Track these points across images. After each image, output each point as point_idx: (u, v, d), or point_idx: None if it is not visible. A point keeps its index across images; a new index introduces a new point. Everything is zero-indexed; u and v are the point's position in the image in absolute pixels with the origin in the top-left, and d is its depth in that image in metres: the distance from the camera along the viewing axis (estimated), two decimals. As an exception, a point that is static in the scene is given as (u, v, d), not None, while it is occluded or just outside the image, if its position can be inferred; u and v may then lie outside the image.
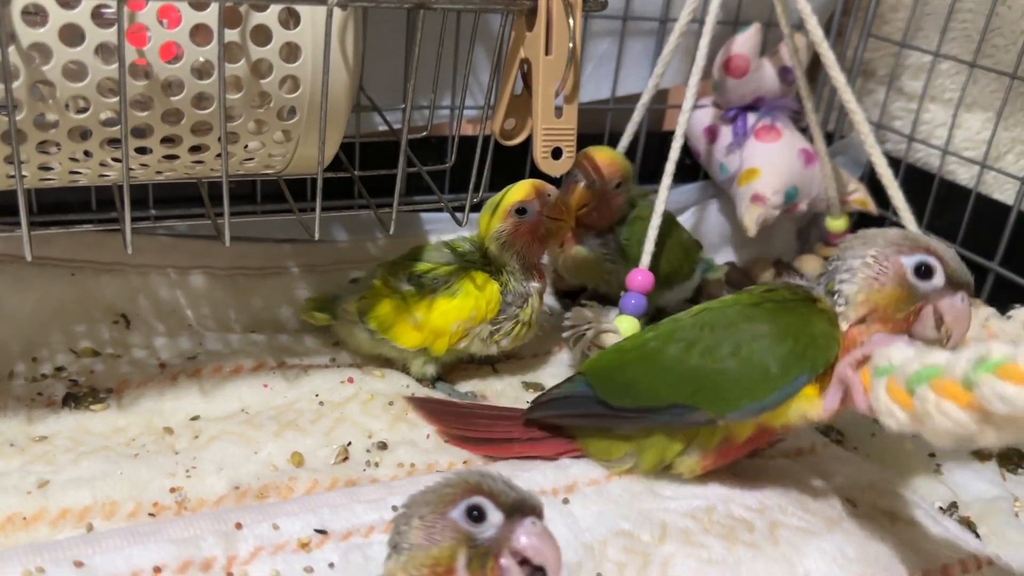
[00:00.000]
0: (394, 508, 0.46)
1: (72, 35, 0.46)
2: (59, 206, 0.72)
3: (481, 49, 0.77)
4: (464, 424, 0.67)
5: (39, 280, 0.70)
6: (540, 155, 0.53)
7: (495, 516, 0.42)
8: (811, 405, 0.56)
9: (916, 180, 0.95)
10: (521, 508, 0.43)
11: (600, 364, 0.65)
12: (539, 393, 0.71)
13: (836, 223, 0.93)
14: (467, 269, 0.70)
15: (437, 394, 0.72)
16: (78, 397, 0.65)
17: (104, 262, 0.73)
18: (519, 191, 0.68)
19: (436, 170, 0.72)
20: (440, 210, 0.71)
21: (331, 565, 0.51)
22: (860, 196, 0.92)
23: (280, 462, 0.61)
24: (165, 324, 0.74)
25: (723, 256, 0.98)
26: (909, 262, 0.56)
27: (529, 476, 0.60)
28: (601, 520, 0.56)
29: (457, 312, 0.69)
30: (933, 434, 0.44)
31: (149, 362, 0.70)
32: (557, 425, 0.65)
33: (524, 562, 0.42)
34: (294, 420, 0.65)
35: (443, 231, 0.83)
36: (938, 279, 0.56)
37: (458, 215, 0.65)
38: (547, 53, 0.51)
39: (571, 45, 0.50)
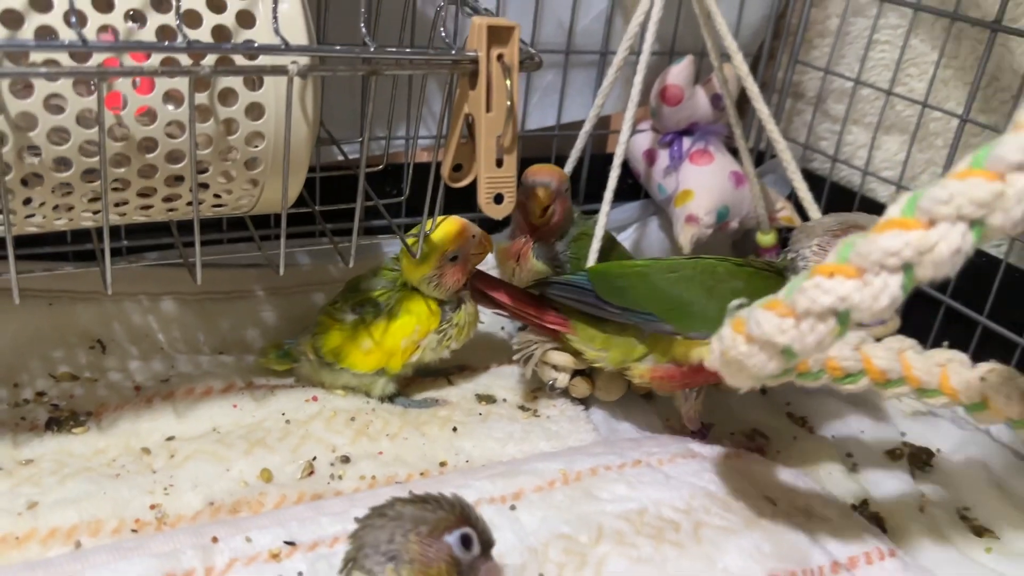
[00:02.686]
0: (356, 519, 0.51)
1: (55, 104, 0.51)
2: (36, 239, 0.77)
3: (434, 85, 0.82)
4: (497, 287, 0.78)
5: (18, 309, 0.74)
6: (483, 201, 0.59)
7: (476, 548, 0.51)
8: None
9: (840, 197, 1.02)
10: (488, 545, 0.52)
11: (602, 270, 0.77)
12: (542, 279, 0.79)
13: (766, 238, 1.00)
14: (403, 290, 0.76)
15: (398, 409, 0.78)
16: (60, 421, 0.69)
17: (80, 291, 0.78)
18: (449, 238, 0.74)
19: (392, 203, 0.78)
20: (390, 234, 0.77)
21: (299, 574, 0.56)
22: (787, 214, 0.99)
23: (251, 478, 0.67)
24: (139, 348, 0.79)
25: (664, 269, 1.04)
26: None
27: (480, 485, 0.66)
28: (544, 524, 0.62)
29: (403, 330, 0.75)
30: (728, 363, 0.54)
31: (125, 384, 0.75)
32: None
33: None
34: (262, 438, 0.71)
35: (396, 249, 0.89)
36: None
37: (413, 248, 0.71)
38: (488, 110, 0.57)
39: (508, 104, 0.56)
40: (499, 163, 0.58)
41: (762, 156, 1.08)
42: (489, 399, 0.82)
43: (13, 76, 0.49)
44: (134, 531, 0.60)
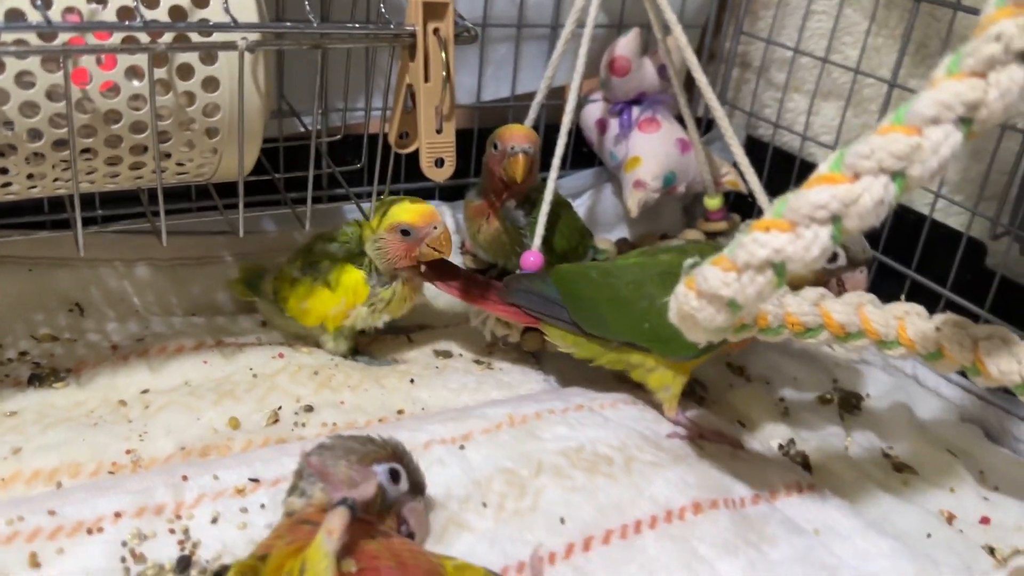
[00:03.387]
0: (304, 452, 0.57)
1: (25, 80, 0.56)
2: (15, 209, 0.81)
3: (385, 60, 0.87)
4: (463, 283, 0.81)
5: (1, 275, 0.80)
6: (425, 165, 0.64)
7: (404, 484, 0.57)
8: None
9: (782, 162, 1.08)
10: (418, 489, 0.59)
11: (569, 289, 0.78)
12: (509, 277, 0.82)
13: (712, 201, 1.05)
14: (340, 261, 0.80)
15: (360, 364, 0.83)
16: (41, 377, 0.75)
17: (58, 257, 0.83)
18: (409, 213, 0.75)
19: (347, 170, 0.82)
20: (347, 200, 0.82)
21: (262, 506, 0.62)
22: (731, 178, 1.05)
23: (220, 426, 0.72)
24: (115, 311, 0.84)
25: (617, 232, 1.10)
26: None
27: (432, 428, 0.71)
28: (489, 461, 0.68)
29: (331, 300, 0.80)
30: (683, 318, 0.58)
31: (102, 344, 0.80)
32: None
33: (403, 523, 0.57)
34: (231, 390, 0.76)
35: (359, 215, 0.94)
36: (841, 260, 0.74)
37: (366, 209, 0.76)
38: (426, 80, 0.62)
39: (444, 74, 0.61)
40: (439, 130, 0.63)
41: (710, 124, 1.14)
42: (446, 354, 0.88)
43: (-16, 54, 0.54)
44: (111, 473, 0.66)
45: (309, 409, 0.76)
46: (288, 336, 0.85)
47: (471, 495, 0.65)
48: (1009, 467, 0.80)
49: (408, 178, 0.98)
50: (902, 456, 0.82)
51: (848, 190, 0.50)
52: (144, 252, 0.87)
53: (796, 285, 0.68)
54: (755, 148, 1.10)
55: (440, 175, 0.65)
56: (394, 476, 0.56)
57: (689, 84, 1.01)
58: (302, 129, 0.88)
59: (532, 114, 0.96)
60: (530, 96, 0.98)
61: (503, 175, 0.82)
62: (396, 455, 0.58)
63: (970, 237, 0.90)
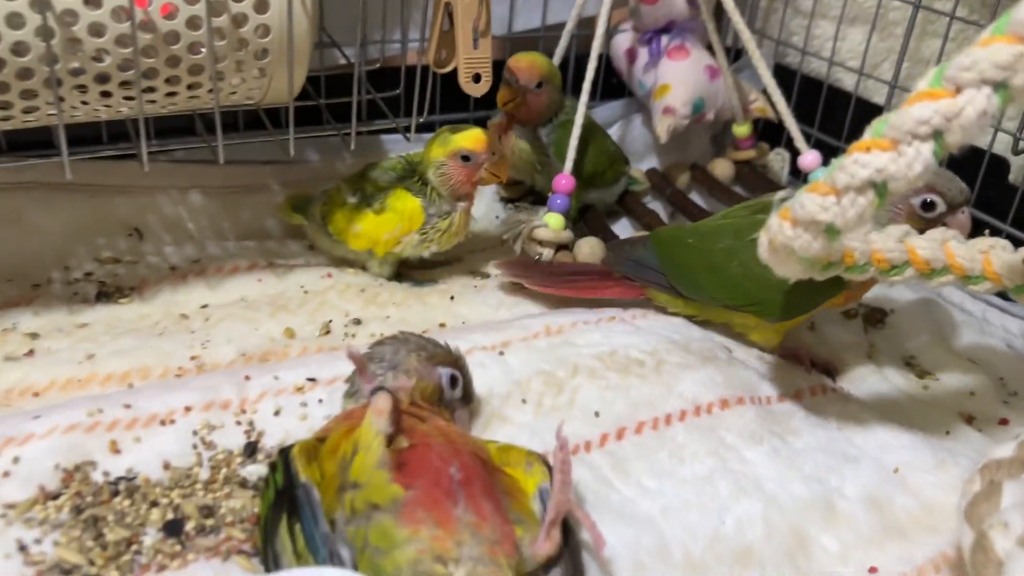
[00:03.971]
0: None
1: (93, 0, 0.60)
2: (77, 140, 0.86)
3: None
4: (547, 276, 0.84)
5: (65, 202, 0.85)
6: (463, 80, 0.68)
7: (459, 391, 0.62)
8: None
9: (810, 88, 1.10)
10: (468, 397, 0.64)
11: (668, 253, 0.81)
12: (611, 244, 0.88)
13: (741, 129, 1.08)
14: (396, 187, 0.83)
15: (405, 287, 0.87)
16: (108, 294, 0.80)
17: (117, 185, 0.87)
18: (470, 139, 0.80)
19: (388, 96, 0.86)
20: (395, 131, 0.85)
21: (320, 401, 0.67)
22: (760, 105, 1.07)
23: (276, 335, 0.77)
24: (171, 235, 0.89)
25: (647, 162, 1.12)
26: (915, 201, 0.72)
27: (473, 337, 0.75)
28: (527, 364, 0.72)
29: (386, 225, 0.83)
30: (775, 251, 0.60)
31: (162, 266, 0.85)
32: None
33: None
34: (285, 305, 0.81)
35: (401, 149, 0.97)
36: (940, 207, 0.72)
37: (408, 133, 0.80)
38: (463, -2, 0.65)
39: (483, -9, 0.64)
40: (475, 45, 0.66)
41: (739, 52, 1.15)
42: (483, 275, 0.92)
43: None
44: (178, 376, 0.71)
45: (357, 322, 0.80)
46: (333, 260, 0.89)
47: (511, 393, 0.69)
48: (1029, 374, 0.83)
49: (443, 110, 1.02)
50: (924, 364, 0.85)
51: (951, 104, 0.50)
52: (197, 180, 0.91)
53: None
54: (783, 75, 1.12)
55: (477, 90, 0.68)
56: (453, 381, 0.61)
57: (718, 12, 1.03)
58: (342, 61, 0.92)
59: (562, 43, 0.99)
60: (561, 26, 1.01)
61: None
62: (458, 363, 0.63)
63: (992, 154, 0.91)
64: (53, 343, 0.73)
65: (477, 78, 0.68)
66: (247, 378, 0.68)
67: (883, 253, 0.65)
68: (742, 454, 0.66)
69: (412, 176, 0.84)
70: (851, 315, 0.91)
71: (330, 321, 0.80)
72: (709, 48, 1.05)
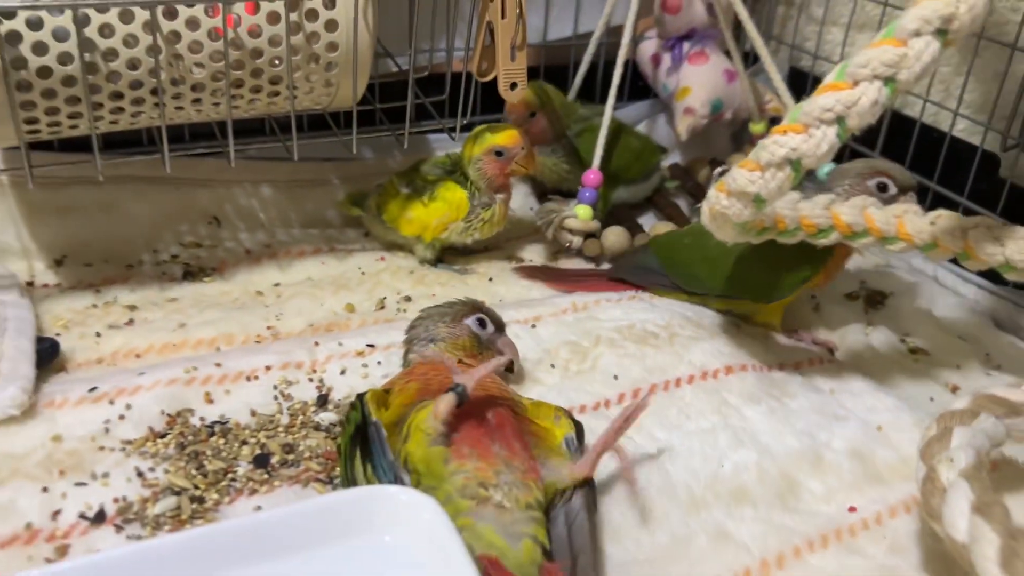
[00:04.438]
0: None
1: (193, 23, 0.72)
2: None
3: (468, 5, 1.01)
4: (561, 279, 0.95)
5: (154, 193, 0.97)
6: (502, 88, 0.78)
7: (490, 327, 0.73)
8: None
9: (821, 90, 1.18)
10: (501, 327, 0.74)
11: (668, 254, 0.91)
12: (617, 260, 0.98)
13: (757, 127, 1.17)
14: (445, 180, 0.95)
15: (441, 271, 0.98)
16: (193, 274, 0.92)
17: (200, 178, 1.00)
18: (502, 137, 0.91)
19: (435, 101, 0.97)
20: (441, 131, 0.97)
21: (379, 363, 0.78)
22: (775, 105, 1.16)
23: (338, 310, 0.88)
24: (245, 223, 1.01)
25: (671, 158, 1.22)
26: (871, 183, 0.82)
27: (509, 313, 0.86)
28: (556, 335, 0.83)
29: (435, 213, 0.94)
30: (714, 217, 0.71)
31: (238, 249, 0.97)
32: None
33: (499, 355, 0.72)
34: (345, 284, 0.93)
35: (445, 147, 1.09)
36: (892, 189, 0.82)
37: (452, 133, 0.91)
38: (503, 17, 0.76)
39: (518, 11, 0.75)
40: (513, 57, 0.77)
41: (757, 58, 1.24)
42: (519, 259, 1.02)
43: (163, 4, 0.70)
44: (257, 342, 0.83)
45: (408, 299, 0.92)
46: (385, 244, 1.01)
47: (542, 359, 0.80)
48: (1012, 350, 0.91)
49: (482, 112, 1.13)
50: (918, 342, 0.93)
51: (849, 95, 0.62)
52: (267, 175, 1.03)
53: None
54: (798, 78, 1.21)
55: (513, 97, 0.79)
56: (481, 323, 0.72)
57: (736, 21, 1.12)
58: (394, 69, 1.03)
59: (590, 50, 1.10)
60: (591, 35, 1.11)
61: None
62: (477, 307, 0.74)
63: (984, 150, 1.00)
64: (149, 315, 0.85)
65: (513, 86, 0.78)
66: (316, 344, 0.80)
67: (811, 219, 0.75)
68: (742, 412, 0.76)
69: (456, 171, 0.95)
70: (853, 297, 1.00)
71: (384, 298, 0.91)
72: (728, 53, 1.15)
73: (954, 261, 0.77)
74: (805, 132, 0.64)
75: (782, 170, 0.65)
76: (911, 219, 0.76)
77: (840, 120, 0.63)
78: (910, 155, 1.07)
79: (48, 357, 0.75)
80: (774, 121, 1.18)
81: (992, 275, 0.75)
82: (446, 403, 0.59)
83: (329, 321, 0.86)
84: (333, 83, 0.81)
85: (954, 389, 0.86)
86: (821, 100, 0.63)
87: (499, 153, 0.92)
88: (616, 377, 0.78)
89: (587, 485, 0.61)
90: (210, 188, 1.00)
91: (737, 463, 0.70)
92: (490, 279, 0.97)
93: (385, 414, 0.64)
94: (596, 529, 0.62)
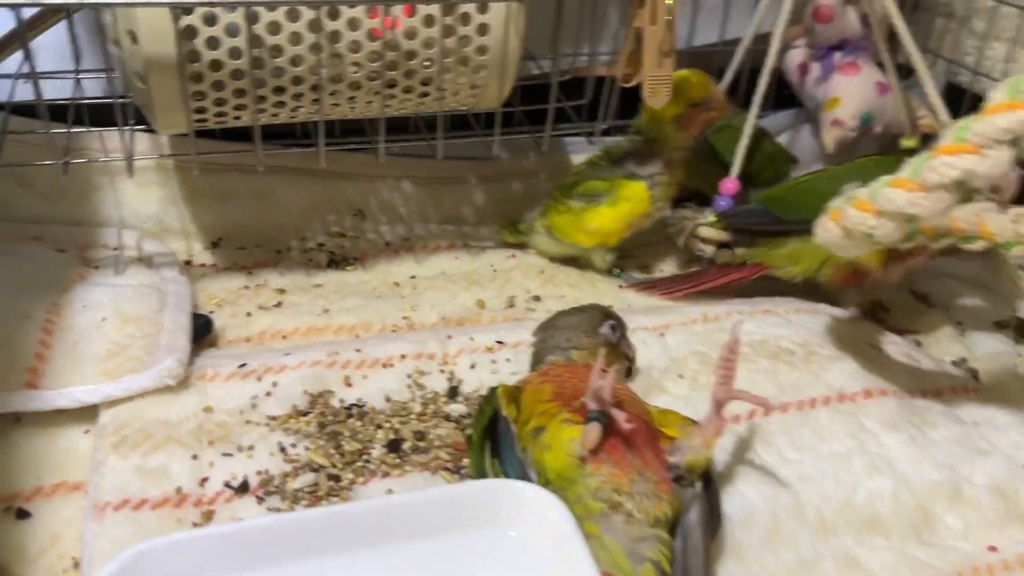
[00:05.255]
0: (538, 327, 0.75)
1: (354, 23, 0.75)
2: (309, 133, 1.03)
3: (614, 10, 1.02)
4: (671, 284, 0.96)
5: (305, 184, 1.02)
6: (647, 94, 0.78)
7: (619, 331, 0.73)
8: None
9: (979, 107, 1.12)
10: (624, 330, 0.74)
11: (773, 193, 0.93)
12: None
13: (909, 143, 1.12)
14: (616, 180, 0.95)
15: (574, 267, 0.99)
16: (336, 262, 0.96)
17: (346, 172, 1.04)
18: (699, 89, 0.92)
19: (575, 104, 0.98)
20: (578, 134, 0.97)
21: (507, 360, 0.80)
22: (928, 121, 1.11)
23: (470, 305, 0.91)
24: (386, 216, 1.04)
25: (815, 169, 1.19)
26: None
27: (637, 319, 0.86)
28: (684, 345, 0.82)
29: (621, 214, 0.95)
30: (851, 236, 0.69)
31: (378, 241, 1.01)
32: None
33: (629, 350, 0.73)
34: (477, 280, 0.95)
35: (579, 148, 1.09)
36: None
37: (591, 137, 0.91)
38: (652, 23, 0.76)
39: (668, 18, 0.75)
40: (660, 64, 0.76)
41: (911, 71, 1.19)
42: (648, 268, 1.02)
43: (328, 4, 0.73)
44: (393, 331, 0.86)
45: (537, 299, 0.93)
46: (553, 258, 1.01)
47: (669, 368, 0.80)
48: None
49: (620, 116, 1.13)
50: (1076, 380, 0.88)
51: None
52: (408, 171, 1.07)
53: None
54: (955, 93, 1.15)
55: (658, 103, 0.79)
56: (614, 328, 0.72)
57: (891, 32, 1.08)
58: (535, 71, 1.05)
59: (737, 58, 1.08)
60: (736, 42, 1.09)
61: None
62: (608, 313, 0.74)
63: None
64: (296, 298, 0.90)
65: (658, 93, 0.78)
66: (449, 337, 0.82)
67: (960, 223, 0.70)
68: (879, 439, 0.73)
69: (612, 163, 0.96)
70: (1003, 325, 0.95)
71: (514, 296, 0.93)
72: (880, 65, 1.10)
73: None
74: (978, 153, 0.62)
75: (950, 191, 0.63)
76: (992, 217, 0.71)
77: (1018, 140, 0.61)
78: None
79: (202, 332, 0.81)
80: (926, 138, 1.13)
81: None
82: (594, 435, 0.58)
83: (461, 315, 0.88)
84: (480, 85, 0.83)
85: (1114, 429, 0.80)
86: (1000, 120, 0.61)
87: (695, 105, 0.93)
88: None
89: (707, 490, 0.61)
90: (356, 181, 1.05)
91: (872, 490, 0.68)
92: (620, 286, 0.97)
93: (516, 408, 0.65)
94: (710, 542, 0.62)
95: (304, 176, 1.02)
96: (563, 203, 0.97)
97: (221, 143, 0.95)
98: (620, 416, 0.59)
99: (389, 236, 1.02)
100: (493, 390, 0.66)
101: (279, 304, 0.88)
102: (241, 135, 0.89)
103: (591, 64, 0.95)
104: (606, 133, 0.98)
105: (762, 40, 1.10)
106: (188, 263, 0.94)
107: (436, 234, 1.03)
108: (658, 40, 0.76)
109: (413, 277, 0.95)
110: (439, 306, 0.90)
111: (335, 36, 0.75)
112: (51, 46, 0.91)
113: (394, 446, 0.69)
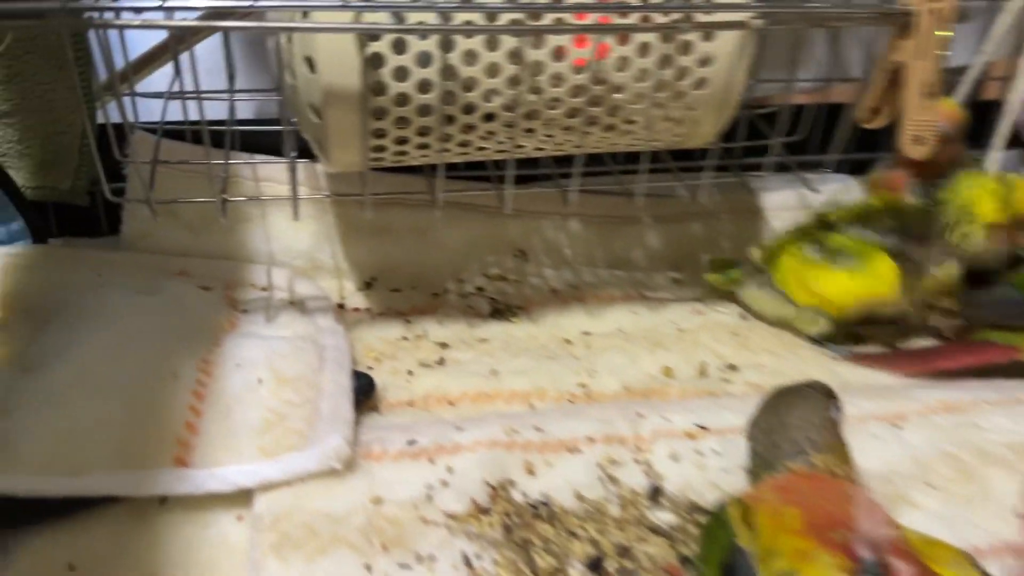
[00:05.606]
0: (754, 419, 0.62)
1: (559, 53, 0.64)
2: (478, 165, 0.93)
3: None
4: (907, 361, 0.82)
5: (465, 221, 0.92)
6: (906, 141, 0.65)
7: (842, 413, 0.61)
8: None
9: None
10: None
11: None
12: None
13: None
14: (869, 246, 0.78)
15: (772, 328, 0.85)
16: (500, 311, 0.86)
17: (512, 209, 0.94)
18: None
19: (787, 141, 0.84)
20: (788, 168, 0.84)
21: (715, 452, 0.67)
22: None
23: (655, 372, 0.79)
24: (550, 259, 0.93)
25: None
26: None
27: (863, 404, 0.72)
28: (929, 443, 0.68)
29: (856, 289, 0.78)
30: None
31: (543, 288, 0.90)
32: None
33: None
34: (660, 341, 0.83)
35: (769, 188, 0.96)
36: None
37: (811, 186, 0.78)
38: (919, 58, 0.62)
39: (940, 53, 0.61)
40: (923, 106, 0.63)
41: None
42: (858, 338, 0.88)
43: (536, 32, 0.62)
44: (570, 401, 0.75)
45: (732, 368, 0.80)
46: (766, 319, 0.87)
47: (914, 474, 0.66)
48: None
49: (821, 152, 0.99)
50: None
51: None
52: (578, 208, 0.95)
53: None
54: None
55: (920, 152, 0.65)
56: (838, 407, 0.59)
57: None
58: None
59: (964, 88, 0.92)
60: (958, 70, 0.94)
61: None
62: (830, 393, 0.61)
63: None
64: (459, 354, 0.80)
65: (920, 140, 0.64)
66: (639, 415, 0.70)
67: None
68: None
69: (873, 221, 0.80)
70: None
71: (705, 363, 0.80)
72: None
73: None
74: None
75: None
76: None
77: None
78: None
79: (364, 395, 0.71)
80: None
81: None
82: None
83: (646, 386, 0.77)
84: (690, 121, 0.71)
85: None
86: None
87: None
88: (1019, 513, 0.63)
89: None
90: (519, 218, 0.94)
91: None
92: (832, 356, 0.83)
93: (749, 536, 0.53)
94: None
95: (464, 211, 0.92)
96: (797, 246, 0.82)
97: (391, 177, 0.85)
98: (904, 572, 0.46)
99: (555, 281, 0.91)
100: (723, 508, 0.54)
101: (442, 361, 0.78)
102: (402, 167, 0.79)
103: (786, 91, 0.82)
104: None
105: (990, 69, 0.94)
106: (340, 306, 0.85)
107: (607, 281, 0.91)
108: (925, 77, 0.62)
109: (587, 334, 0.84)
110: (619, 372, 0.78)
111: (537, 67, 0.65)
112: (199, 60, 0.82)
113: (595, 566, 0.58)
